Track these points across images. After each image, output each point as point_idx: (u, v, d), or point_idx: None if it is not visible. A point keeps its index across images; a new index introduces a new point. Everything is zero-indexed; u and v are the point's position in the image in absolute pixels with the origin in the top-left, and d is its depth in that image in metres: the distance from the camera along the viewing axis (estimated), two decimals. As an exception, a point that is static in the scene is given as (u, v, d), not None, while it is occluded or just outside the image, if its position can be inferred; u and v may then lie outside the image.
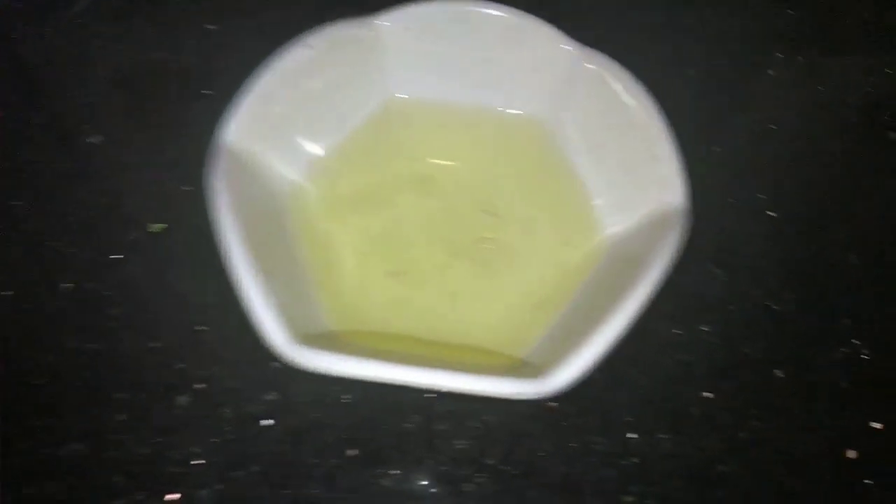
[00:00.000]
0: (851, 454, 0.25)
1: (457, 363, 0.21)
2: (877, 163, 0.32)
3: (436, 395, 0.25)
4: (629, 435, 0.25)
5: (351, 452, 0.24)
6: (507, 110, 0.28)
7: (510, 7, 0.27)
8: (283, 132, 0.26)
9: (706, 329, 0.27)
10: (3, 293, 0.27)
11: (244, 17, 0.34)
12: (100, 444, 0.24)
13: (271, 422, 0.25)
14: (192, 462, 0.24)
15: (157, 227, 0.28)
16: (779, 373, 0.27)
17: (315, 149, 0.27)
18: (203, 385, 0.25)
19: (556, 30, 0.26)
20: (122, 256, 0.28)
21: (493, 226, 0.27)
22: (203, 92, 0.31)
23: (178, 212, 0.29)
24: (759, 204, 0.31)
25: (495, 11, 0.26)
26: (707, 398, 0.26)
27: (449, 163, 0.28)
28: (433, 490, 0.24)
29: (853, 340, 0.28)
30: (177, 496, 0.23)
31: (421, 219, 0.27)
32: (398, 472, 0.24)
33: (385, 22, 0.26)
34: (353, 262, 0.26)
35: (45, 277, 0.27)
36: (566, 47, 0.26)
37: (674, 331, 0.27)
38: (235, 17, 0.34)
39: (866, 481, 0.25)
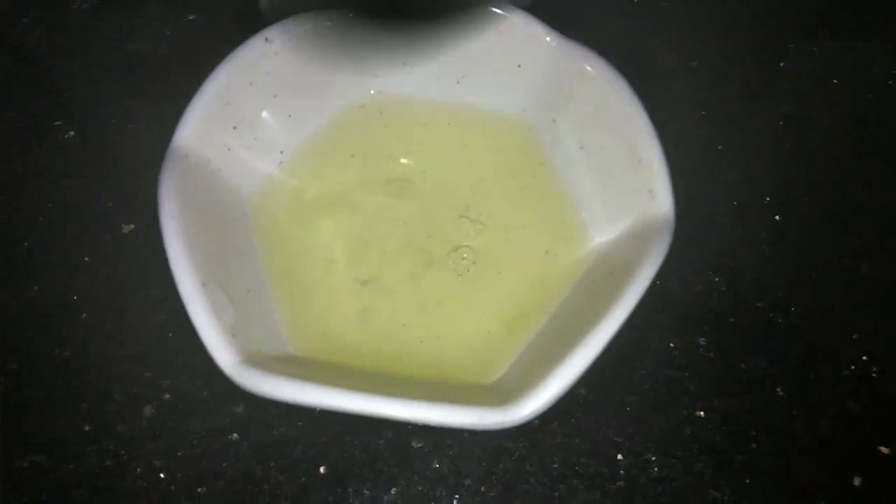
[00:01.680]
0: (857, 481, 0.24)
1: (421, 387, 0.20)
2: (894, 164, 0.30)
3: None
4: (617, 456, 0.24)
5: (321, 469, 0.23)
6: (489, 109, 0.26)
7: None
8: (244, 133, 0.24)
9: (703, 342, 0.26)
10: (-33, 295, 0.26)
11: (226, 6, 0.33)
12: (62, 456, 0.23)
13: (239, 436, 0.24)
14: (157, 476, 0.23)
15: (126, 227, 0.27)
16: (780, 391, 0.25)
17: (281, 149, 0.26)
18: (170, 395, 0.24)
19: (539, 22, 0.24)
20: (91, 258, 0.27)
21: (471, 233, 0.25)
22: (181, 84, 0.30)
23: (152, 211, 0.28)
24: (765, 207, 0.29)
25: (475, 2, 0.24)
26: (701, 417, 0.24)
27: (426, 164, 0.26)
28: (405, 512, 0.22)
29: (862, 357, 0.26)
30: (138, 513, 0.22)
31: (395, 224, 0.25)
32: (368, 492, 0.23)
33: (350, 14, 0.25)
34: (320, 270, 0.25)
35: (13, 279, 0.26)
36: (550, 41, 0.24)
37: (668, 344, 0.26)
38: (217, 6, 0.33)
39: (872, 511, 0.23)
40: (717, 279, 0.27)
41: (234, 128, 0.24)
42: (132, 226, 0.27)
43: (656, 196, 0.21)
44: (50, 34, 0.32)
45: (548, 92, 0.25)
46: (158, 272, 0.26)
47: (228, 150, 0.24)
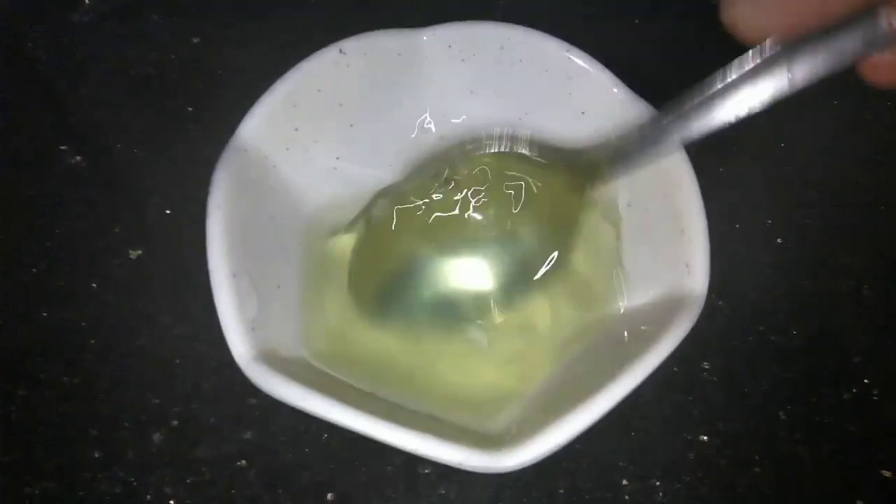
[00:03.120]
0: (859, 505, 0.24)
1: (422, 418, 0.20)
2: (894, 185, 0.30)
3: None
4: (622, 481, 0.24)
5: (328, 496, 0.23)
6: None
7: (564, 42, 0.25)
8: (304, 135, 0.24)
9: (706, 367, 0.26)
10: (-24, 322, 0.26)
11: (230, 30, 0.33)
12: (72, 482, 0.24)
13: (247, 462, 0.24)
14: (167, 503, 0.23)
15: (134, 253, 0.27)
16: (783, 415, 0.25)
17: (338, 156, 0.26)
18: (179, 422, 0.25)
19: (609, 72, 0.24)
20: (99, 284, 0.27)
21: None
22: (185, 110, 0.30)
23: (160, 237, 0.28)
24: (767, 230, 0.29)
25: (551, 44, 0.24)
26: (705, 442, 0.25)
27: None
28: (413, 539, 0.23)
29: (864, 380, 0.26)
30: (148, 541, 0.23)
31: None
32: (376, 519, 0.23)
33: (425, 37, 0.25)
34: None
35: (21, 305, 0.26)
36: (617, 93, 0.24)
37: (672, 368, 0.26)
38: (220, 30, 0.33)
39: (875, 534, 0.24)
40: (719, 303, 0.27)
41: (296, 129, 0.24)
42: (139, 251, 0.27)
43: (693, 271, 0.21)
44: (56, 57, 0.32)
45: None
46: (167, 297, 0.27)
47: (287, 149, 0.24)
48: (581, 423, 0.18)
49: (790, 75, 0.18)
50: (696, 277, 0.21)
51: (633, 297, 0.24)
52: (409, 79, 0.26)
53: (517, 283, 0.24)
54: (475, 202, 0.24)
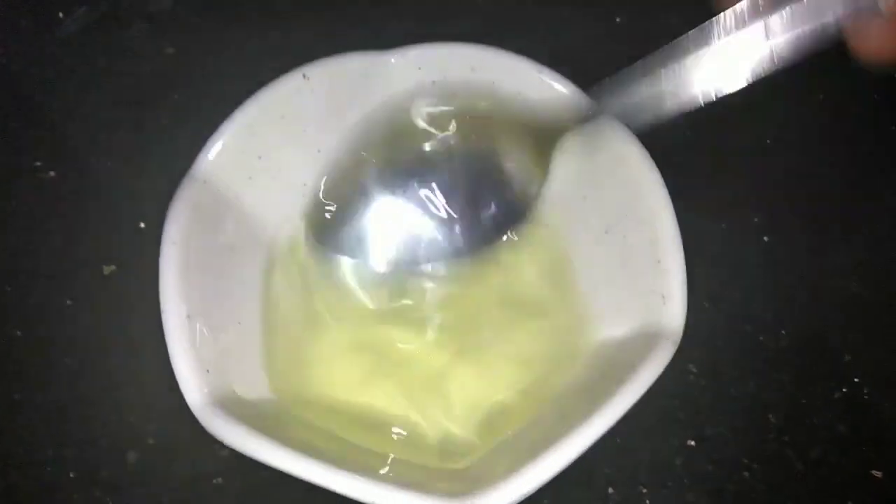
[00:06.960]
0: (850, 507, 0.23)
1: (387, 462, 0.20)
2: (882, 180, 0.30)
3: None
4: (608, 489, 0.23)
5: (308, 514, 0.23)
6: None
7: (536, 62, 0.24)
8: (268, 163, 0.24)
9: (693, 370, 0.25)
10: (-53, 341, 0.26)
11: (204, 40, 0.32)
12: (47, 504, 0.23)
13: (223, 480, 0.23)
14: (143, 523, 0.23)
15: (107, 269, 0.27)
16: (772, 417, 0.25)
17: (304, 182, 0.25)
18: (154, 440, 0.24)
19: (583, 94, 0.24)
20: (73, 301, 0.26)
21: (479, 315, 0.25)
22: (156, 122, 0.30)
23: (134, 252, 0.27)
24: (752, 227, 0.28)
25: (523, 64, 0.24)
26: (692, 447, 0.24)
27: None
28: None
29: (854, 379, 0.25)
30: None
31: (399, 287, 0.25)
32: (357, 536, 0.22)
33: (393, 59, 0.24)
34: (319, 319, 0.24)
35: (-6, 324, 0.26)
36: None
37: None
38: (198, 40, 0.32)
39: (867, 537, 0.23)
40: (705, 304, 0.27)
41: (259, 157, 0.23)
42: (113, 266, 0.27)
43: (668, 303, 0.20)
44: (31, 70, 0.32)
45: (584, 167, 0.24)
46: (141, 313, 0.26)
47: (250, 178, 0.23)
48: (551, 468, 0.17)
49: (770, 44, 0.17)
50: (672, 310, 0.20)
51: (608, 329, 0.23)
52: (377, 102, 0.25)
53: (485, 227, 0.24)
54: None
